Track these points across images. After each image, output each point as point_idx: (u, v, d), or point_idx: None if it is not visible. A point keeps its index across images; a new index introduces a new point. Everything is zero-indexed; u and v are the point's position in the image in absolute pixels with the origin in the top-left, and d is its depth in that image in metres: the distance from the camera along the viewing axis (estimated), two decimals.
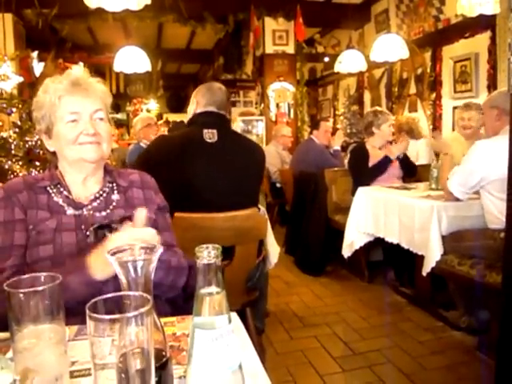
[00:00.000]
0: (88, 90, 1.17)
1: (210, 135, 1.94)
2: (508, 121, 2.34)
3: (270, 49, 5.97)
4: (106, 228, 1.14)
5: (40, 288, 0.62)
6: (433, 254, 2.46)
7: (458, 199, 2.45)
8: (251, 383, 0.68)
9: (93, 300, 0.53)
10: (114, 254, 0.64)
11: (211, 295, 0.54)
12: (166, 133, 4.02)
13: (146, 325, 0.53)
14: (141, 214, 1.02)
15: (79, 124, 1.15)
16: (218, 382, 0.54)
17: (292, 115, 6.16)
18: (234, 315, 0.90)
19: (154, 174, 1.37)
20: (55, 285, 0.63)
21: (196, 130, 1.97)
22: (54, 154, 1.23)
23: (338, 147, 4.51)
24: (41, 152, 3.42)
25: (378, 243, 3.22)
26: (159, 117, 9.45)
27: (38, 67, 5.68)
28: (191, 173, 1.87)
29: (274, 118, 6.10)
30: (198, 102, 2.05)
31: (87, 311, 0.50)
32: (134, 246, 0.67)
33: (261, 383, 0.72)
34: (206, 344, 0.54)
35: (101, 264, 0.96)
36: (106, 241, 0.98)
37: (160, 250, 0.66)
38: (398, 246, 2.85)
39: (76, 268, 0.99)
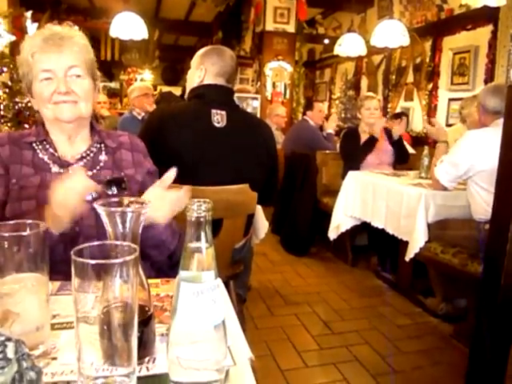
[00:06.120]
0: (62, 46, 1.09)
1: (219, 118, 1.78)
2: (486, 119, 2.38)
3: (270, 26, 5.87)
4: (116, 183, 1.09)
5: (24, 233, 0.61)
6: (417, 241, 2.49)
7: (445, 188, 2.46)
8: (231, 346, 0.68)
9: (79, 247, 0.52)
10: (102, 205, 0.63)
11: (199, 250, 0.54)
12: (154, 105, 3.84)
13: (130, 278, 0.52)
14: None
15: (53, 82, 1.10)
16: (200, 336, 0.54)
17: (288, 95, 6.11)
18: (219, 281, 0.90)
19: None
20: (40, 232, 0.62)
21: (203, 108, 1.80)
22: None
23: (331, 130, 4.50)
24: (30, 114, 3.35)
25: (363, 228, 3.25)
26: (153, 88, 9.28)
27: (31, 28, 5.50)
28: (190, 154, 1.76)
29: (269, 97, 6.05)
30: (207, 71, 1.84)
31: (72, 256, 0.49)
32: (123, 199, 0.67)
33: (240, 348, 0.72)
34: (191, 297, 0.53)
35: (52, 215, 0.93)
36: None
37: (150, 205, 0.65)
38: (383, 231, 2.88)
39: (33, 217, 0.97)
